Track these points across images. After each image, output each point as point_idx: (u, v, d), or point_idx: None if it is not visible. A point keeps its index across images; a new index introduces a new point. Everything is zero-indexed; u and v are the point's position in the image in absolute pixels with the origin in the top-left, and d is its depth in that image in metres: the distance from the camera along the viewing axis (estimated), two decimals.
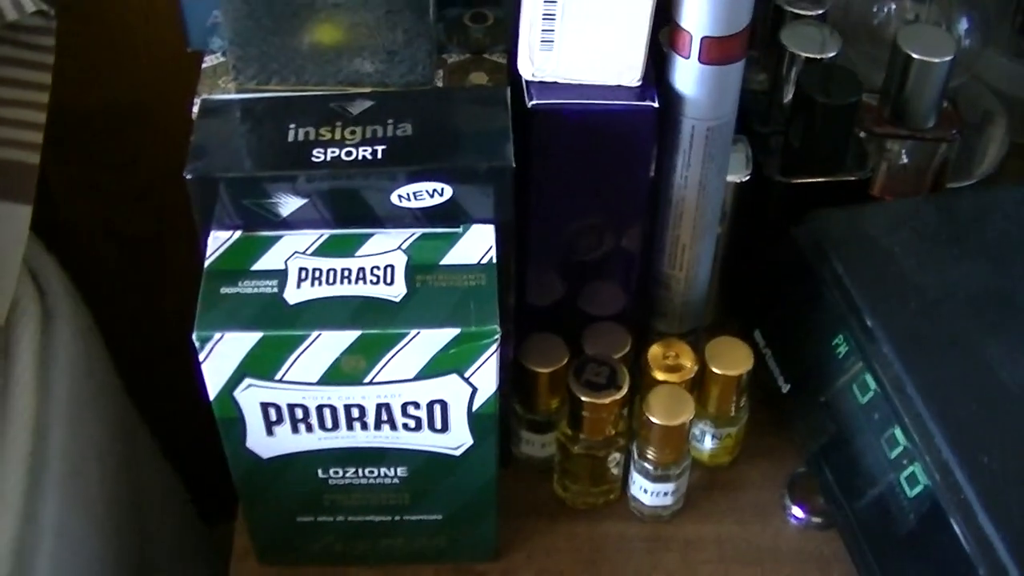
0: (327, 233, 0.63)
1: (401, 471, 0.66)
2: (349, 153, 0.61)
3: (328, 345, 0.59)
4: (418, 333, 0.59)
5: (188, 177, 0.60)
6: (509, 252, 0.64)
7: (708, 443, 0.76)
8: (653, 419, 0.69)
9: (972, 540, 0.61)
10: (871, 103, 0.80)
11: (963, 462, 0.63)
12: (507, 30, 0.69)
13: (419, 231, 0.63)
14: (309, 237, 0.62)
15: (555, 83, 0.64)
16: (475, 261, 0.61)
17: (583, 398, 0.69)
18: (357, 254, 0.62)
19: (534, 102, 0.64)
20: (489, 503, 0.69)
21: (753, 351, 0.74)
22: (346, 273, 0.61)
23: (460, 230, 0.63)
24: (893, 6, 0.87)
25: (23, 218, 0.74)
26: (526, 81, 0.65)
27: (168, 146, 0.91)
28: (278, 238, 0.62)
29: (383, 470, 0.66)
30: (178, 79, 0.86)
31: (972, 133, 0.92)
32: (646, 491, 0.73)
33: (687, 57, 0.64)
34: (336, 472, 0.66)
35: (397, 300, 0.60)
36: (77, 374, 0.79)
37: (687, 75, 0.65)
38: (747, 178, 0.74)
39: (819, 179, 0.76)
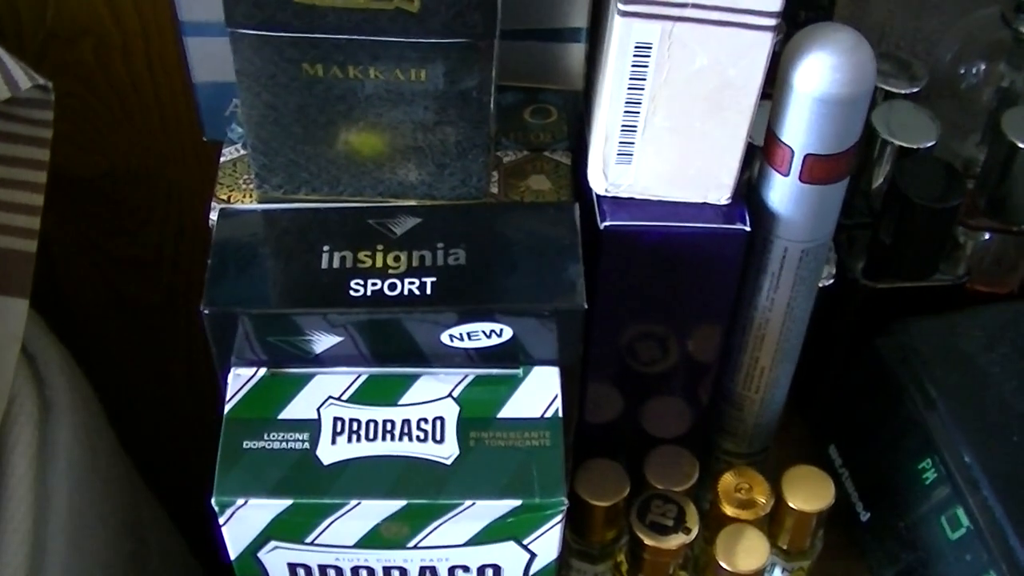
0: (366, 373, 0.55)
1: None
2: (393, 287, 0.53)
3: (368, 513, 0.52)
4: (472, 504, 0.51)
5: (205, 312, 0.52)
6: (574, 393, 0.56)
7: (777, 575, 0.68)
8: (724, 565, 0.62)
9: None
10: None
11: None
12: (570, 124, 0.61)
13: (473, 372, 0.55)
14: (346, 378, 0.55)
15: (631, 199, 0.56)
16: (538, 415, 0.54)
17: (647, 542, 0.62)
18: (401, 402, 0.54)
19: (608, 223, 0.56)
20: None
21: (828, 470, 0.66)
22: (389, 427, 0.53)
23: (520, 373, 0.55)
24: (983, 67, 0.78)
25: (20, 313, 0.66)
26: (597, 196, 0.56)
27: (179, 212, 0.84)
28: (309, 377, 0.55)
29: None
30: (190, 142, 0.79)
31: None
32: None
33: (786, 175, 0.56)
34: None
35: (448, 463, 0.52)
36: (78, 475, 0.72)
37: (784, 194, 0.56)
38: (830, 282, 0.66)
39: (909, 284, 0.68)
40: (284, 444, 0.53)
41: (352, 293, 0.53)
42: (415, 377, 0.55)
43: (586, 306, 0.52)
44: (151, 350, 0.95)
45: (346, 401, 0.54)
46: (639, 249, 0.56)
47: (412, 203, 0.57)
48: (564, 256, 0.54)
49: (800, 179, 0.56)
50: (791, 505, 0.64)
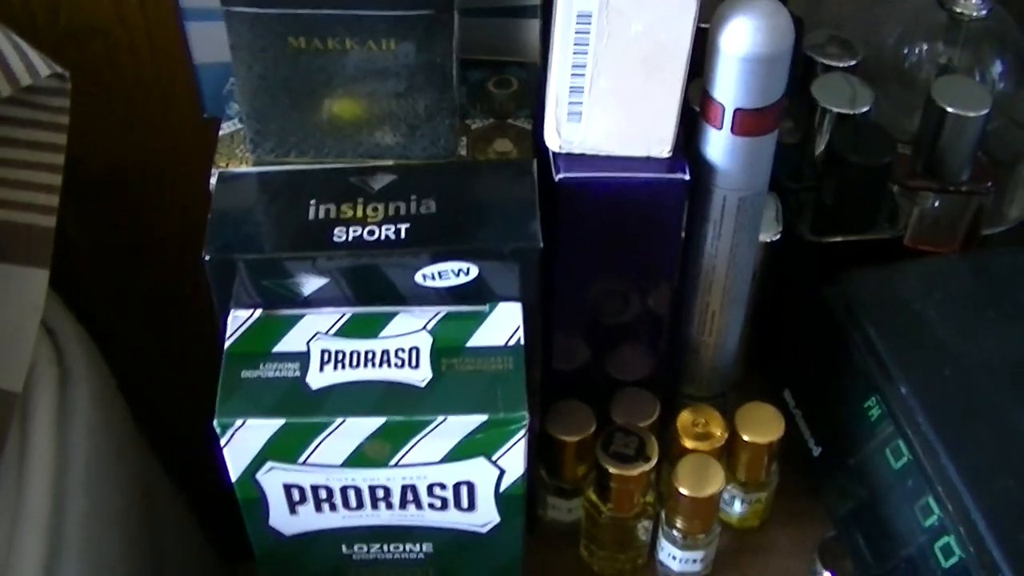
0: (350, 312, 0.61)
1: (427, 547, 0.65)
2: (372, 232, 0.59)
3: (352, 431, 0.58)
4: (444, 420, 0.58)
5: (207, 259, 0.59)
6: (536, 328, 0.63)
7: (738, 507, 0.75)
8: (683, 490, 0.68)
9: None
10: (904, 154, 0.78)
11: (1000, 539, 0.61)
12: (532, 94, 0.68)
13: (444, 310, 0.61)
14: (331, 317, 0.61)
15: (583, 155, 0.63)
16: (502, 343, 0.60)
17: (611, 470, 0.68)
18: (381, 335, 0.60)
19: (562, 175, 0.62)
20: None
21: (782, 411, 0.72)
22: (370, 356, 0.59)
23: (486, 309, 0.61)
24: (925, 47, 0.85)
25: (40, 282, 0.73)
26: (553, 153, 0.63)
27: (185, 202, 0.90)
28: (299, 317, 0.61)
29: (408, 546, 0.65)
30: (194, 135, 0.85)
31: (1004, 173, 0.90)
32: (675, 558, 0.72)
33: (719, 128, 0.62)
34: (361, 548, 0.65)
35: (422, 385, 0.58)
36: (96, 437, 0.78)
37: (719, 146, 0.63)
38: (777, 237, 0.73)
39: (851, 238, 0.75)
40: (278, 373, 0.59)
41: (335, 239, 0.59)
42: (393, 314, 0.61)
43: (541, 245, 0.59)
44: (165, 335, 1.01)
45: (332, 335, 0.60)
46: (591, 199, 0.63)
47: (389, 163, 0.64)
48: (523, 205, 0.61)
49: (732, 132, 0.62)
50: (744, 438, 0.71)
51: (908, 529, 0.66)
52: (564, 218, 0.63)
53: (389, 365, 0.59)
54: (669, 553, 0.72)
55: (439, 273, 0.60)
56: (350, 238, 0.59)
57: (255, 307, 0.61)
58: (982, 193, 0.77)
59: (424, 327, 0.61)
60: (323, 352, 0.60)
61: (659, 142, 0.62)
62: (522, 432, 0.58)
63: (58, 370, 0.77)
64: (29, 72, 0.70)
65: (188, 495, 0.97)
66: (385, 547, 0.65)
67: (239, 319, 0.61)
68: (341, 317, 0.61)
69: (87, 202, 0.89)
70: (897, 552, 0.67)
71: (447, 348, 0.60)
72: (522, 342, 0.60)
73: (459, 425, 0.58)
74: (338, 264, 0.59)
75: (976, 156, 0.77)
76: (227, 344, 0.60)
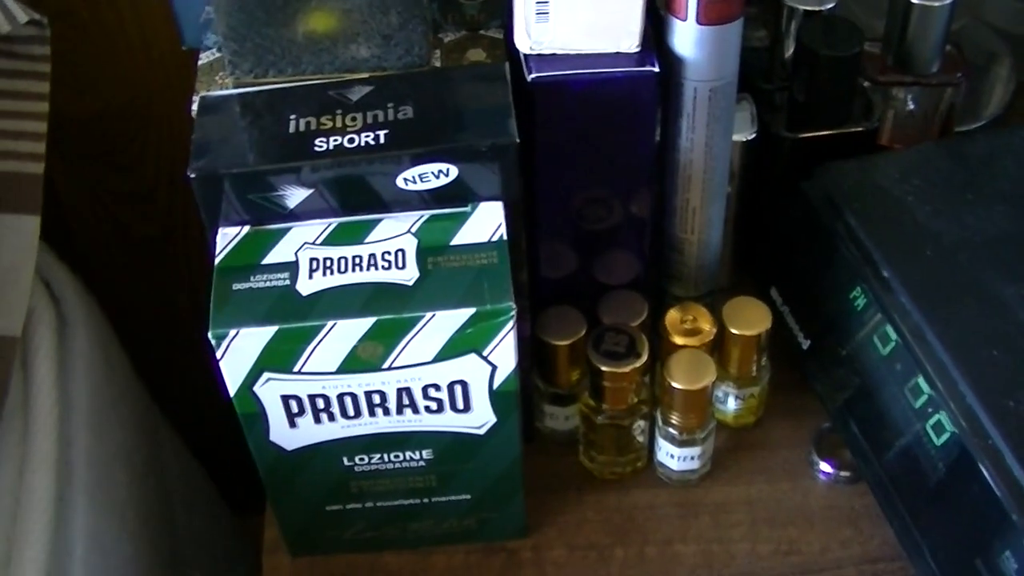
0: (335, 221, 0.62)
1: (426, 454, 0.66)
2: (352, 140, 0.61)
3: (344, 334, 0.59)
4: (433, 316, 0.59)
5: (192, 176, 0.60)
6: (519, 228, 0.64)
7: (732, 405, 0.76)
8: (675, 384, 0.69)
9: (1002, 485, 0.60)
10: (874, 52, 0.79)
11: (989, 407, 0.62)
12: (502, 5, 0.69)
13: (428, 213, 0.62)
14: (318, 227, 0.62)
15: (554, 55, 0.64)
16: (485, 239, 0.61)
17: (603, 368, 0.69)
18: (367, 240, 0.62)
19: (533, 75, 0.63)
20: (516, 480, 0.69)
21: (771, 310, 0.73)
22: (357, 260, 0.61)
23: (468, 209, 0.62)
24: None
25: (32, 229, 0.74)
26: (524, 55, 0.64)
27: (172, 145, 0.92)
28: (287, 230, 0.62)
29: (408, 454, 0.66)
30: (176, 77, 0.86)
31: (978, 75, 0.91)
32: (673, 456, 0.73)
33: (684, 19, 0.63)
34: (362, 459, 0.66)
35: (410, 284, 0.60)
36: (97, 379, 0.79)
37: (686, 37, 0.64)
38: (753, 136, 0.74)
39: (826, 132, 0.76)
40: (268, 283, 0.60)
41: (317, 148, 0.60)
42: (378, 220, 0.62)
43: (517, 140, 0.60)
44: (154, 279, 1.02)
45: (320, 244, 0.61)
46: (564, 97, 0.64)
47: (366, 75, 0.65)
48: (497, 105, 0.62)
49: (698, 21, 0.64)
50: (733, 331, 0.72)
51: (900, 412, 0.67)
52: (539, 118, 0.64)
53: (376, 267, 0.60)
54: (667, 452, 0.73)
55: (419, 176, 0.61)
56: (331, 147, 0.60)
57: (243, 224, 0.62)
58: (953, 83, 0.79)
59: (408, 230, 0.62)
60: (311, 260, 0.61)
61: (627, 36, 0.63)
62: (510, 324, 0.59)
63: (56, 318, 0.78)
64: (8, 20, 0.71)
65: (193, 448, 0.98)
66: (385, 456, 0.66)
67: (228, 235, 0.62)
68: (328, 226, 0.62)
69: (74, 150, 0.90)
70: (891, 436, 0.68)
71: (432, 247, 0.61)
72: (505, 237, 0.61)
73: (448, 320, 0.59)
74: (321, 173, 0.60)
75: (944, 48, 0.79)
76: (217, 259, 0.61)
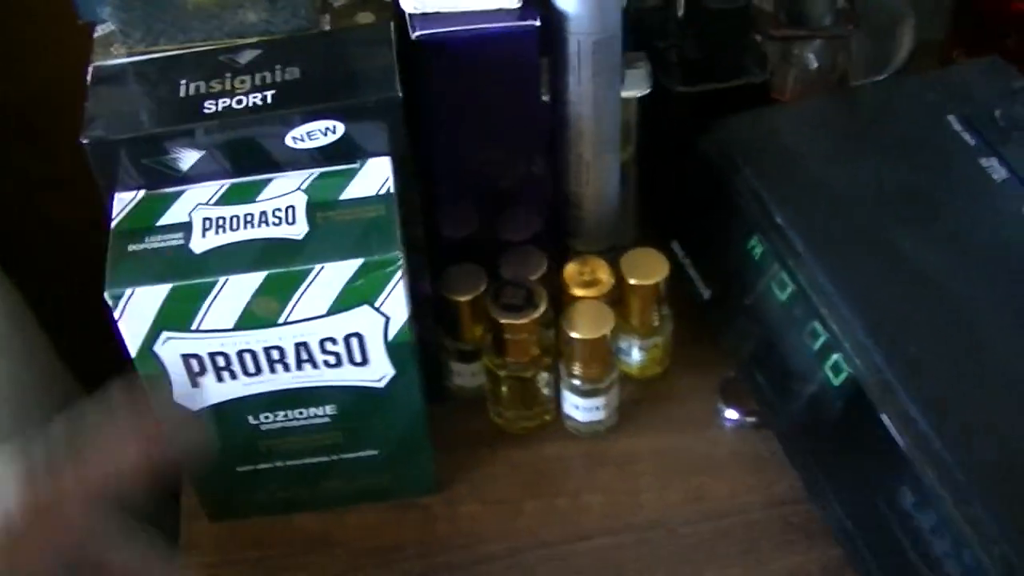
0: (229, 182, 0.64)
1: (330, 409, 0.67)
2: (240, 101, 0.62)
3: (238, 289, 0.61)
4: (323, 268, 0.60)
5: (85, 142, 0.61)
6: (409, 182, 0.65)
7: (636, 356, 0.77)
8: (574, 334, 0.70)
9: (896, 418, 0.62)
10: (766, 9, 0.80)
11: (881, 346, 0.64)
12: None
13: (318, 170, 0.64)
14: (211, 188, 0.63)
15: (438, 14, 0.65)
16: (373, 193, 0.63)
17: (502, 320, 0.70)
18: (259, 199, 0.63)
19: (418, 33, 0.65)
20: (421, 435, 0.70)
21: (672, 263, 0.75)
22: (249, 218, 0.62)
23: (357, 165, 0.64)
24: None
25: None
26: (409, 15, 0.65)
27: (76, 117, 0.92)
28: (181, 193, 0.64)
29: (312, 410, 0.67)
30: (80, 51, 0.87)
31: (881, 35, 0.92)
32: (578, 408, 0.74)
33: None
34: (267, 417, 0.67)
35: (300, 239, 0.61)
36: (15, 364, 0.80)
37: None
38: (647, 91, 0.75)
39: (718, 85, 0.77)
40: (162, 243, 0.61)
41: (206, 110, 0.62)
42: (270, 179, 0.64)
43: (401, 95, 0.61)
44: (76, 266, 1.02)
45: (213, 204, 0.63)
46: (449, 54, 0.65)
47: (254, 40, 0.66)
48: (383, 64, 0.64)
49: None
50: (631, 281, 0.73)
51: (800, 357, 0.69)
52: (426, 76, 0.66)
53: (267, 224, 0.62)
54: (572, 403, 0.74)
55: (307, 134, 0.62)
56: (220, 108, 0.62)
57: (139, 188, 0.64)
58: (845, 36, 0.80)
59: (299, 187, 0.63)
60: (204, 220, 0.62)
61: None
62: (399, 273, 0.61)
63: None
64: None
65: None
66: (290, 413, 0.67)
67: (123, 200, 0.64)
68: (221, 188, 0.64)
69: None
70: (793, 380, 0.69)
71: (322, 203, 0.62)
72: (392, 191, 0.62)
73: (337, 271, 0.60)
74: (212, 135, 0.62)
75: (836, 2, 0.80)
76: (113, 223, 0.63)
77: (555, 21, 0.67)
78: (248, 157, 0.63)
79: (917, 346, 0.64)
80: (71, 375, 0.92)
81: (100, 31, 0.69)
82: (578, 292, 0.73)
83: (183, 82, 0.64)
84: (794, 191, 0.72)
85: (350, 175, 0.63)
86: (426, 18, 0.65)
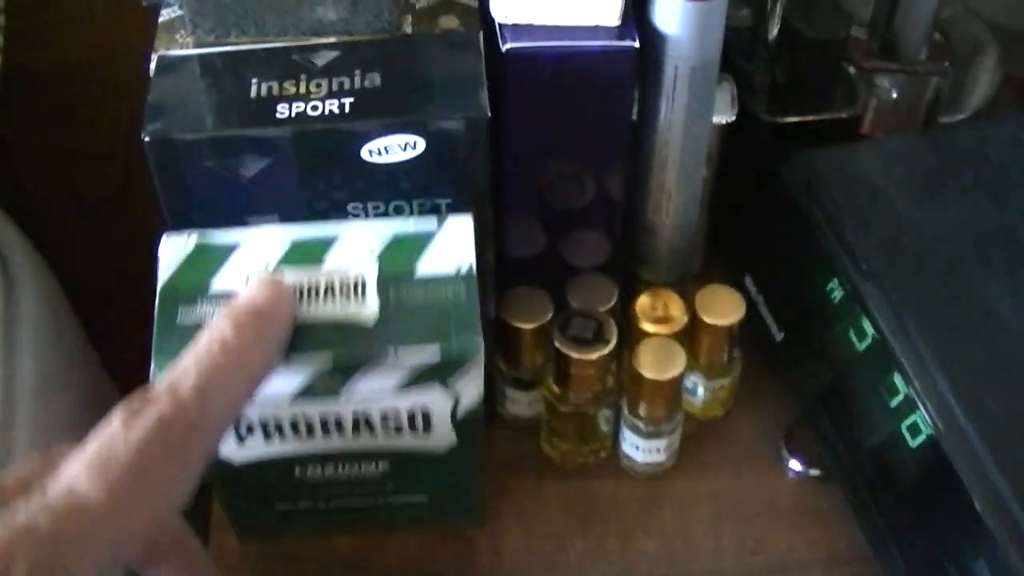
0: (290, 238, 0.59)
1: (383, 465, 0.63)
2: (315, 107, 0.58)
3: (300, 369, 0.56)
4: (395, 357, 0.56)
5: (146, 139, 0.57)
6: (487, 210, 0.61)
7: (700, 395, 0.73)
8: (643, 373, 0.67)
9: (980, 491, 0.58)
10: (859, 38, 0.76)
11: (967, 408, 0.60)
12: None
13: (391, 228, 0.59)
14: (272, 240, 0.58)
15: (530, 26, 0.61)
16: (452, 272, 0.57)
17: (569, 354, 0.66)
18: (325, 264, 0.58)
19: (508, 45, 0.60)
20: (474, 487, 0.66)
21: (745, 299, 0.71)
22: (314, 290, 0.57)
23: (435, 228, 0.59)
24: None
25: None
26: (499, 24, 0.61)
27: (130, 105, 0.88)
28: (237, 245, 0.59)
29: (363, 465, 0.63)
30: (137, 34, 0.83)
31: (963, 66, 0.89)
32: (638, 448, 0.70)
33: None
34: (315, 469, 0.63)
35: (371, 319, 0.56)
36: (44, 345, 0.76)
37: (670, 13, 0.62)
38: (733, 119, 0.71)
39: (807, 117, 0.73)
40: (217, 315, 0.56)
41: (278, 115, 0.58)
42: (337, 236, 0.59)
43: (489, 115, 0.57)
44: (108, 243, 0.99)
45: (274, 267, 0.58)
46: (539, 69, 0.61)
47: (332, 40, 0.62)
48: (470, 77, 0.59)
49: None
50: (705, 320, 0.69)
51: (875, 410, 0.65)
52: (512, 92, 0.62)
53: (335, 299, 0.57)
54: (632, 443, 0.71)
55: (385, 148, 0.58)
56: (293, 113, 0.58)
57: (191, 225, 0.59)
58: (939, 73, 0.77)
59: (369, 253, 0.58)
60: None
61: (608, 9, 0.60)
62: (477, 360, 0.56)
63: (2, 279, 0.75)
64: None
65: None
66: (340, 467, 0.63)
67: (172, 248, 0.58)
68: (282, 243, 0.58)
69: (30, 108, 0.87)
70: (864, 434, 0.66)
71: (395, 277, 0.57)
72: (474, 270, 0.57)
73: (410, 355, 0.56)
74: (281, 141, 0.58)
75: (931, 36, 0.76)
76: (161, 279, 0.58)
77: (652, 42, 0.63)
78: (318, 168, 0.59)
79: (1006, 410, 0.60)
80: (97, 357, 0.88)
81: (165, 16, 0.65)
82: (649, 328, 0.69)
83: (254, 81, 0.59)
84: (880, 233, 0.68)
85: (426, 240, 0.58)
86: (517, 30, 0.61)
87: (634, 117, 0.66)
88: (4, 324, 0.73)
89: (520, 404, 0.73)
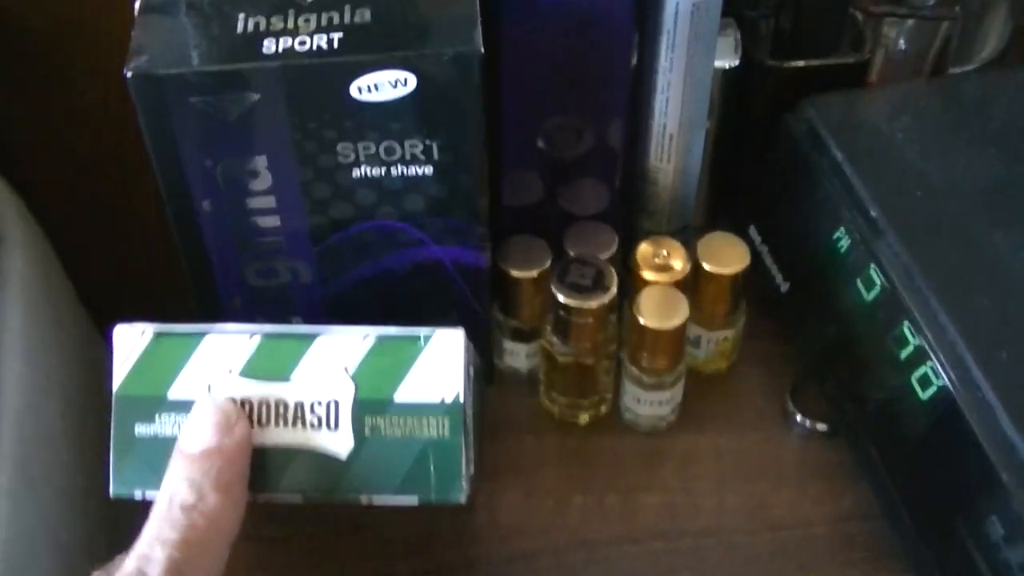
0: (260, 334, 0.55)
1: None
2: (303, 43, 0.56)
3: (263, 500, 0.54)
4: (368, 499, 0.54)
5: (128, 75, 0.55)
6: (482, 158, 0.59)
7: (703, 348, 0.71)
8: (645, 323, 0.65)
9: (993, 442, 0.56)
10: None
11: (979, 359, 0.58)
12: None
13: (370, 340, 0.55)
14: (237, 342, 0.55)
15: None
16: (437, 400, 0.54)
17: (568, 302, 0.64)
18: (295, 375, 0.54)
19: None
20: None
21: (749, 249, 0.69)
22: (282, 410, 0.54)
23: (421, 342, 0.55)
24: None
25: None
26: None
27: (120, 60, 0.86)
28: (198, 340, 0.55)
29: None
30: None
31: (973, 18, 0.86)
32: (639, 401, 0.69)
33: None
34: None
35: (343, 456, 0.53)
36: (33, 301, 0.75)
37: None
38: (736, 64, 0.69)
39: (813, 62, 0.71)
40: (175, 429, 0.54)
41: (265, 50, 0.56)
42: (311, 338, 0.55)
43: (482, 51, 0.55)
44: (100, 203, 0.97)
45: (237, 375, 0.54)
46: (536, 8, 0.60)
47: None
48: (463, 13, 0.57)
49: None
50: (708, 268, 0.68)
51: (883, 363, 0.63)
52: (508, 32, 0.60)
53: (304, 424, 0.54)
54: (633, 396, 0.69)
55: (375, 85, 0.56)
56: (280, 49, 0.56)
57: (179, 139, 0.57)
58: (948, 18, 0.74)
59: (345, 367, 0.54)
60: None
61: None
62: (462, 500, 0.54)
63: None
64: None
65: None
66: None
67: (127, 340, 0.55)
68: (251, 344, 0.55)
69: (16, 62, 0.85)
70: (872, 388, 0.64)
71: (372, 401, 0.54)
72: (461, 398, 0.54)
73: (386, 499, 0.54)
74: (268, 76, 0.56)
75: None
76: (116, 377, 0.54)
77: None
78: (306, 106, 0.57)
79: (1020, 361, 0.58)
80: (88, 316, 0.86)
81: None
82: (650, 276, 0.67)
83: (241, 16, 0.57)
84: (889, 181, 0.66)
85: (411, 355, 0.54)
86: None
87: (634, 60, 0.64)
88: None
89: (518, 357, 0.71)
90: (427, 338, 0.55)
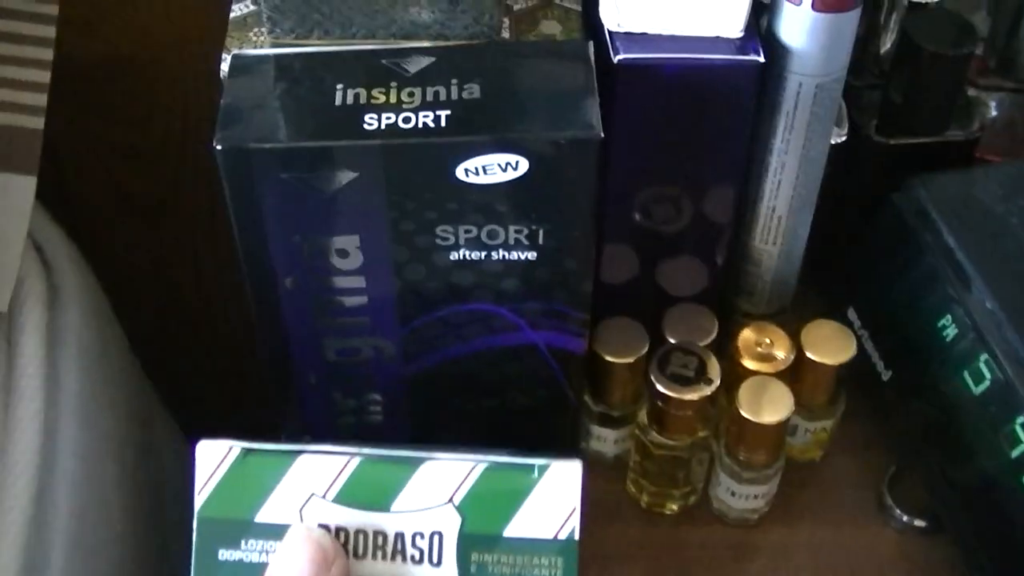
0: (358, 459, 0.50)
1: None
2: (407, 119, 0.52)
3: None
4: None
5: (218, 148, 0.51)
6: (591, 237, 0.55)
7: (800, 437, 0.68)
8: (747, 416, 0.61)
9: None
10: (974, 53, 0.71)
11: None
12: None
13: (481, 465, 0.50)
14: (331, 465, 0.49)
15: (644, 35, 0.56)
16: (551, 536, 0.49)
17: (669, 393, 0.60)
18: (394, 506, 0.49)
19: (621, 56, 0.55)
20: None
21: (854, 338, 0.66)
22: (379, 541, 0.49)
23: (536, 473, 0.49)
24: None
25: (27, 190, 0.66)
26: (610, 32, 0.56)
27: (184, 102, 0.83)
28: (289, 460, 0.49)
29: None
30: (193, 27, 0.78)
31: None
32: (733, 494, 0.65)
33: (798, 4, 0.55)
34: None
35: None
36: (88, 359, 0.71)
37: (797, 25, 0.56)
38: (843, 139, 0.66)
39: (922, 140, 0.68)
40: (262, 556, 0.49)
41: (366, 126, 0.52)
42: (414, 464, 0.50)
43: (602, 135, 0.51)
44: (154, 247, 0.94)
45: (331, 500, 0.49)
46: (653, 83, 0.56)
47: (425, 44, 0.56)
48: (579, 91, 0.53)
49: (813, 7, 0.55)
50: (812, 358, 0.64)
51: (992, 461, 0.60)
52: (621, 106, 0.56)
53: (404, 558, 0.49)
54: (727, 488, 0.65)
55: (483, 167, 0.52)
56: (383, 125, 0.52)
57: (266, 213, 0.53)
58: None
59: (450, 498, 0.49)
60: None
61: (731, 19, 0.55)
62: None
63: (47, 288, 0.70)
64: None
65: (188, 432, 0.90)
66: None
67: (210, 458, 0.49)
68: (344, 467, 0.49)
69: (77, 101, 0.81)
70: (979, 486, 0.61)
71: (480, 535, 0.49)
72: (577, 535, 0.49)
73: None
74: (369, 155, 0.52)
75: None
76: (198, 503, 0.49)
77: (775, 56, 0.57)
78: (408, 188, 0.53)
79: None
80: (141, 369, 0.82)
81: (237, 11, 0.60)
82: (752, 365, 0.63)
83: (339, 87, 0.53)
84: (1003, 267, 0.63)
85: (524, 487, 0.49)
86: (630, 39, 0.56)
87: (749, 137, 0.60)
88: (48, 337, 0.68)
89: (606, 443, 0.67)
90: (542, 469, 0.49)
